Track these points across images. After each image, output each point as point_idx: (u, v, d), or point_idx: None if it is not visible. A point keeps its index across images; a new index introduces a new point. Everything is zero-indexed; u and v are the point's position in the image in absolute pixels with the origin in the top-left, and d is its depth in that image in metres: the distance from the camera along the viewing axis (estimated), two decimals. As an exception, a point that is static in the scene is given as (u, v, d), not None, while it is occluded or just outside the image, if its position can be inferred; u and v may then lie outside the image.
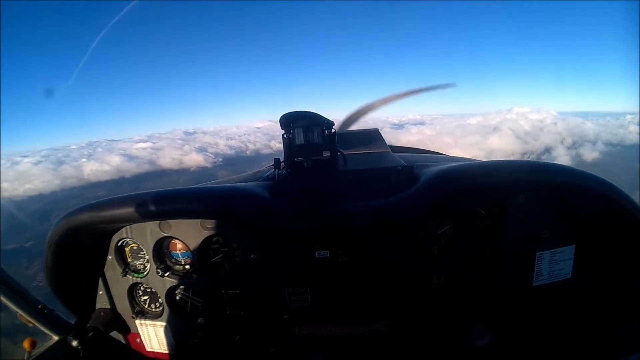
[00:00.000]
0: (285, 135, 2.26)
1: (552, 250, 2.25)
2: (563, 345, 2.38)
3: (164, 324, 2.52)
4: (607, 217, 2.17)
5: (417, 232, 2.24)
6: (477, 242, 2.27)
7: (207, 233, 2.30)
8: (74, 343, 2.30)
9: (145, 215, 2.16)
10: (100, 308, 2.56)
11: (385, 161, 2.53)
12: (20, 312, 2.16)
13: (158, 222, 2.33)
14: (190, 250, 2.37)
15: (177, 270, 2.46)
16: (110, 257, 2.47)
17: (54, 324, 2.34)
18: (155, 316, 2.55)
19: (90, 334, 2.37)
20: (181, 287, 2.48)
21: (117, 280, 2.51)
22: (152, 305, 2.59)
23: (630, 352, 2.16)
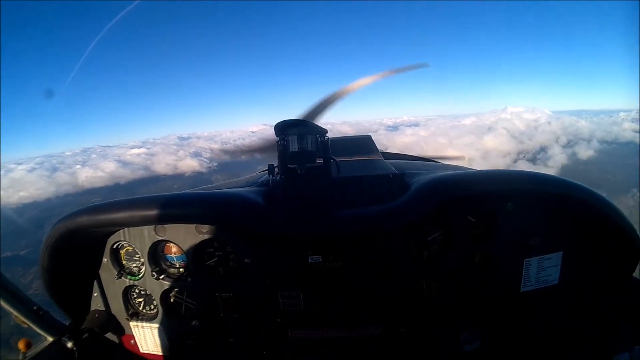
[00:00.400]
0: (279, 142, 2.30)
1: (539, 257, 2.31)
2: (550, 347, 2.43)
3: (158, 325, 2.55)
4: (591, 224, 2.23)
5: (408, 238, 2.28)
6: (467, 249, 2.31)
7: (202, 237, 2.34)
8: (69, 344, 2.32)
9: (141, 219, 2.18)
10: (95, 310, 2.58)
11: (377, 168, 2.59)
12: (15, 313, 2.18)
13: (153, 225, 2.36)
14: (185, 253, 2.40)
15: (171, 273, 2.49)
16: (105, 260, 2.50)
17: (49, 325, 2.37)
18: (150, 318, 2.58)
19: (85, 335, 2.39)
20: (176, 289, 2.51)
21: (112, 283, 2.54)
22: (147, 308, 2.62)
23: (616, 352, 2.21)
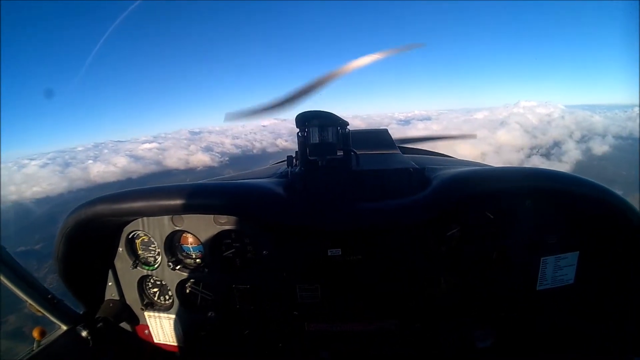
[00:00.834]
0: (299, 134, 2.28)
1: (556, 256, 2.29)
2: (565, 347, 2.42)
3: (173, 316, 2.54)
4: (608, 223, 2.20)
5: (427, 233, 2.27)
6: (484, 245, 2.30)
7: (220, 228, 2.32)
8: (84, 333, 2.33)
9: (160, 209, 2.18)
10: (110, 299, 2.58)
11: (396, 162, 2.56)
12: (30, 301, 2.18)
13: (171, 215, 2.36)
14: (201, 244, 2.39)
15: (188, 264, 2.48)
16: (120, 249, 2.50)
17: (63, 314, 2.36)
18: (165, 308, 2.57)
19: (99, 325, 2.39)
20: (191, 280, 2.49)
21: (127, 272, 2.53)
22: (162, 298, 2.61)
23: (635, 354, 2.23)
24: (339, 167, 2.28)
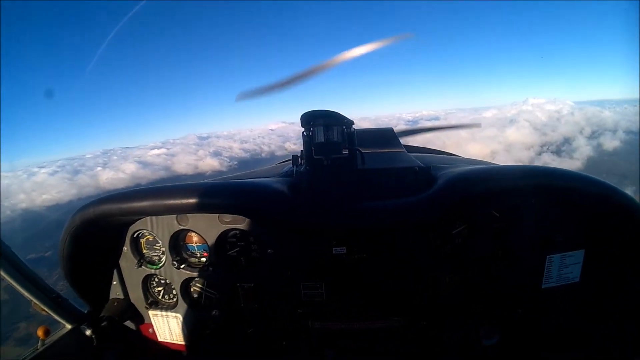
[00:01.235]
0: (305, 133, 2.27)
1: (562, 254, 2.29)
2: (568, 346, 2.42)
3: (177, 315, 2.55)
4: (614, 221, 2.20)
5: (433, 231, 2.28)
6: (490, 243, 2.30)
7: (225, 227, 2.33)
8: (88, 332, 2.34)
9: (165, 208, 2.19)
10: (114, 298, 2.59)
11: (401, 161, 2.56)
12: (34, 300, 2.19)
13: (176, 215, 2.37)
14: (206, 243, 2.41)
15: (192, 263, 2.50)
16: (125, 249, 2.51)
17: (68, 313, 2.38)
18: (169, 307, 2.57)
19: (103, 323, 2.39)
20: (196, 279, 2.50)
21: (131, 271, 2.54)
22: (166, 297, 2.62)
23: (635, 354, 2.26)
24: (344, 165, 2.27)
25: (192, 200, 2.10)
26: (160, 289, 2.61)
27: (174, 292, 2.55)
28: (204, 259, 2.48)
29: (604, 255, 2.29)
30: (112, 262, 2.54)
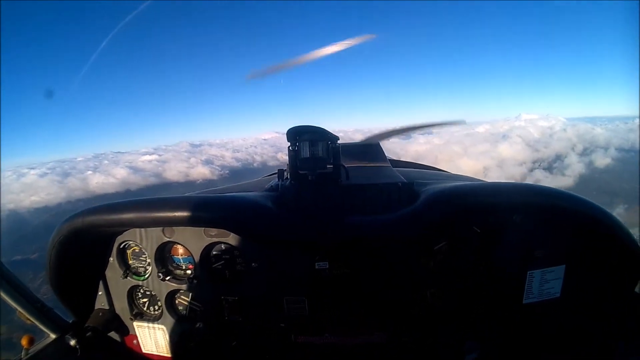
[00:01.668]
0: (290, 148, 2.30)
1: (543, 270, 2.31)
2: None
3: (162, 326, 2.55)
4: (594, 237, 2.24)
5: (414, 247, 2.30)
6: (471, 259, 2.32)
7: (210, 240, 2.35)
8: (72, 342, 2.32)
9: (151, 221, 2.21)
10: (99, 308, 2.59)
11: (385, 176, 2.61)
12: (19, 309, 2.18)
13: (162, 227, 2.39)
14: (192, 255, 2.42)
15: (177, 275, 2.50)
16: (111, 259, 2.51)
17: (53, 322, 2.37)
18: (154, 319, 2.58)
19: (88, 334, 2.38)
20: (181, 291, 2.51)
21: (117, 282, 2.54)
22: (151, 308, 2.62)
23: None
24: (329, 181, 2.31)
25: (178, 214, 2.12)
26: (145, 300, 2.61)
27: (159, 303, 2.56)
28: (189, 272, 2.49)
29: (585, 270, 2.32)
30: (98, 273, 2.54)
